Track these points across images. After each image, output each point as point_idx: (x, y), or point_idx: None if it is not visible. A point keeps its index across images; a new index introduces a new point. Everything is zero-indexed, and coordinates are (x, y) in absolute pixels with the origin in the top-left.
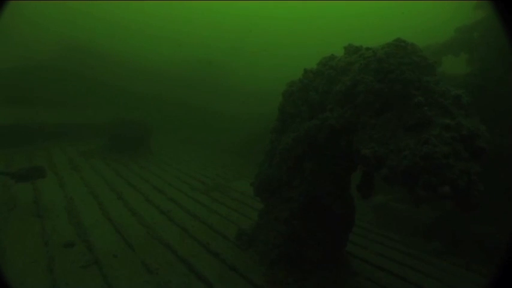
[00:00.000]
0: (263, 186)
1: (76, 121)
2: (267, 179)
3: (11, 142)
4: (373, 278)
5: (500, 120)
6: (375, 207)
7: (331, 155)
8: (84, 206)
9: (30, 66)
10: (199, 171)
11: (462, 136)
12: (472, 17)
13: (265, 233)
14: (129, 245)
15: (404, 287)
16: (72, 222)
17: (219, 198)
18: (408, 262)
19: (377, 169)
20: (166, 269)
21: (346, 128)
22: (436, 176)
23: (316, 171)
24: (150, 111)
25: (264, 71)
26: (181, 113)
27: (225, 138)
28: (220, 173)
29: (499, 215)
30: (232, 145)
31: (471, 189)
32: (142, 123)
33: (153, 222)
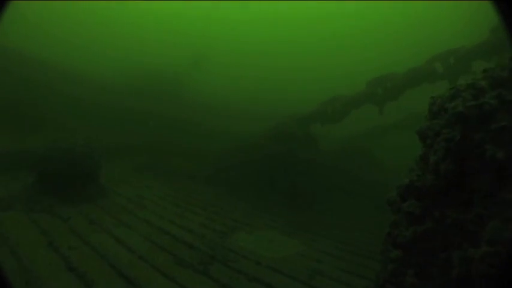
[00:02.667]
0: None
1: None
2: None
3: None
4: None
5: None
6: None
7: None
8: None
9: None
10: (176, 221)
11: None
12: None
13: None
14: None
15: None
16: None
17: (229, 281)
18: None
19: None
20: None
21: None
22: None
23: None
24: (98, 131)
25: (233, 81)
26: (135, 132)
27: (190, 161)
28: (204, 220)
29: None
30: (202, 171)
31: None
32: (89, 151)
33: None
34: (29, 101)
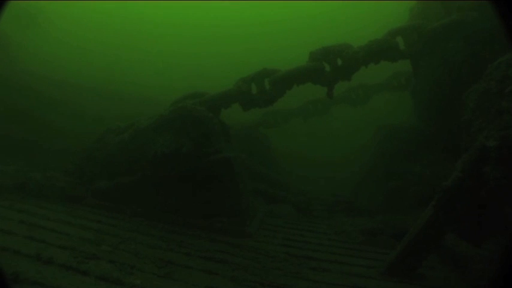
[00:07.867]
0: None
1: None
2: None
3: None
4: None
5: None
6: None
7: None
8: None
9: None
10: None
11: None
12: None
13: None
14: None
15: None
16: None
17: None
18: None
19: None
20: None
21: None
22: None
23: None
24: None
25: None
26: None
27: (38, 160)
28: None
29: None
30: (55, 182)
31: None
32: None
33: None
34: None
